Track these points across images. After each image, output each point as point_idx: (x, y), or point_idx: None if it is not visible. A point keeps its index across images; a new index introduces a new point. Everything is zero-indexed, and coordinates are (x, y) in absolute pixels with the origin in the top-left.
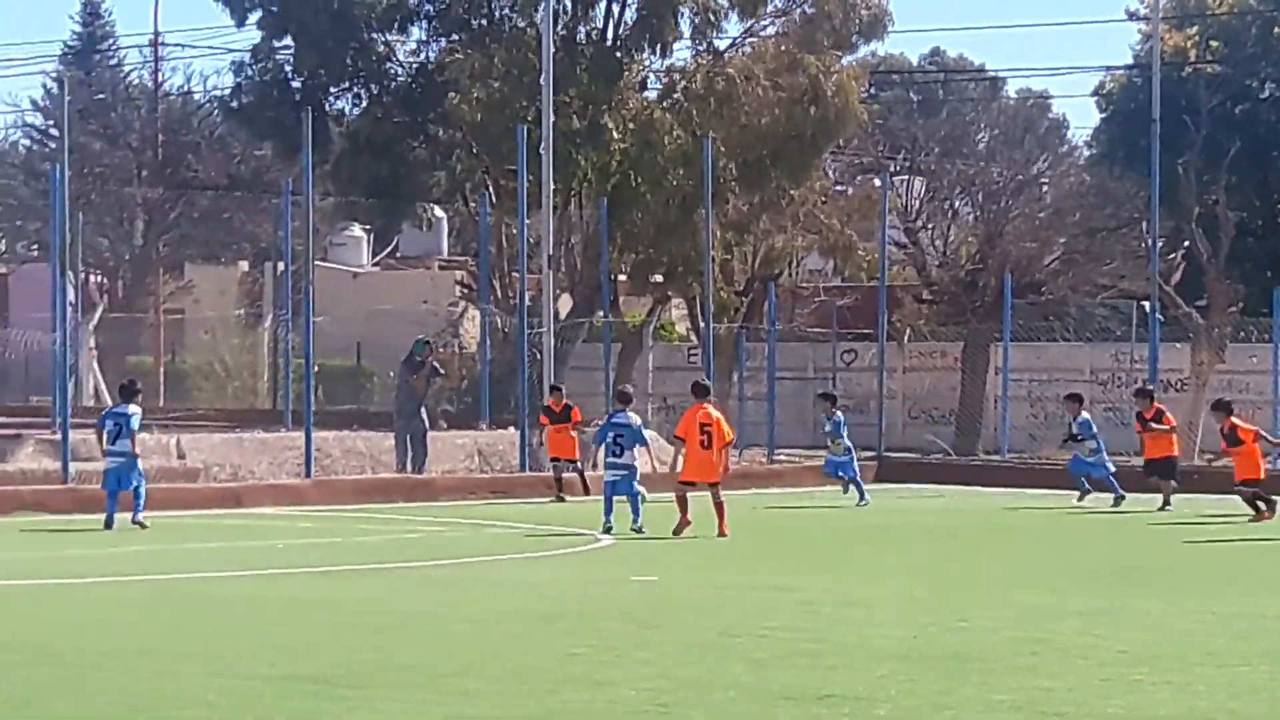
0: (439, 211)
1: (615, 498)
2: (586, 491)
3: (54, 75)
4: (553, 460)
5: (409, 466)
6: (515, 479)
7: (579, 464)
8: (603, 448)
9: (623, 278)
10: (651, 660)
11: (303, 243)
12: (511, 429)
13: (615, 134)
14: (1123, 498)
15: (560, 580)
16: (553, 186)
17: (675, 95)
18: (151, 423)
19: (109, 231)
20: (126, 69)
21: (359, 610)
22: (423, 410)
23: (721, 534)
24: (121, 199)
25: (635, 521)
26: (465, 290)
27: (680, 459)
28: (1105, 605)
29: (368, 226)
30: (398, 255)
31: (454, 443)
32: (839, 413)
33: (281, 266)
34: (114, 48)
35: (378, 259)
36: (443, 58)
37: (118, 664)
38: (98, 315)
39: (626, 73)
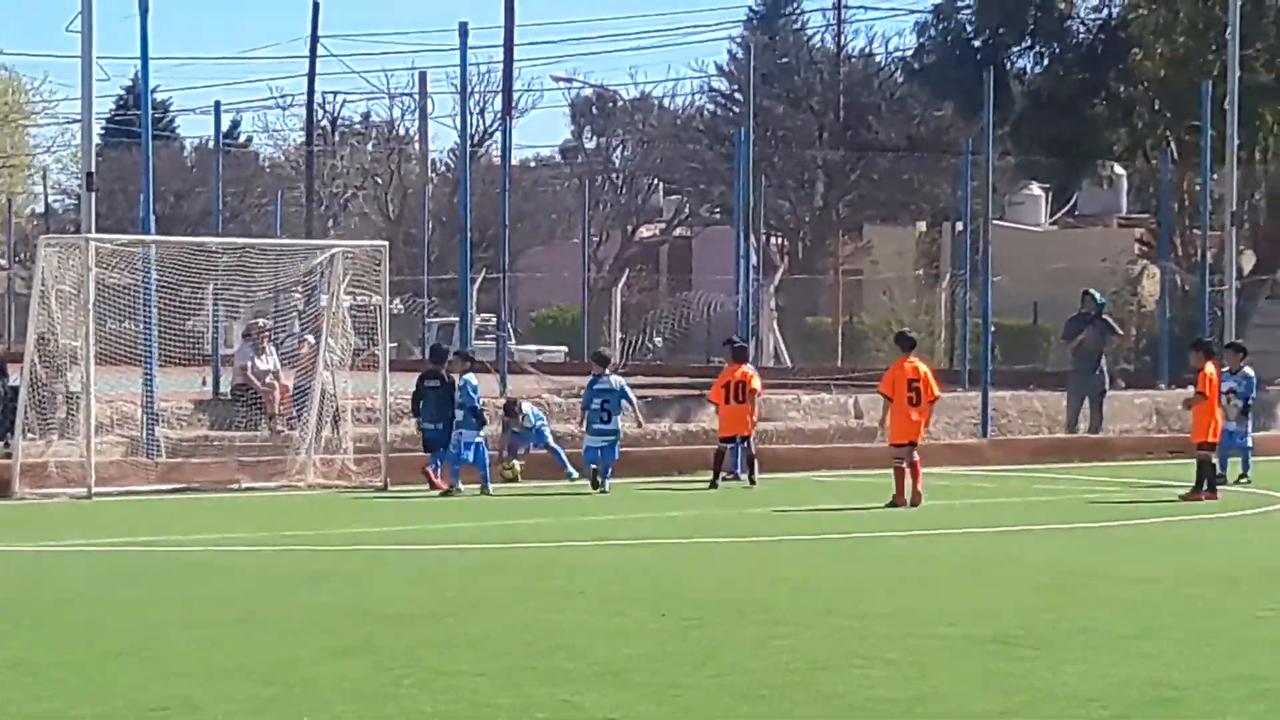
0: (1119, 169)
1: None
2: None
3: (739, 40)
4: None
5: (1080, 425)
6: None
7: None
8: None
9: None
10: None
11: (982, 202)
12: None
13: None
14: None
15: (1238, 541)
16: (1237, 142)
17: None
18: (829, 382)
19: (790, 194)
20: (810, 32)
21: (1040, 570)
22: (1102, 367)
23: (915, 497)
24: (802, 161)
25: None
26: (1144, 248)
27: (887, 418)
28: None
29: (1046, 185)
30: (1075, 213)
31: (1132, 402)
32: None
33: (960, 226)
34: (798, 11)
35: (1055, 217)
36: (1126, 14)
37: (797, 619)
38: (778, 277)
39: None
